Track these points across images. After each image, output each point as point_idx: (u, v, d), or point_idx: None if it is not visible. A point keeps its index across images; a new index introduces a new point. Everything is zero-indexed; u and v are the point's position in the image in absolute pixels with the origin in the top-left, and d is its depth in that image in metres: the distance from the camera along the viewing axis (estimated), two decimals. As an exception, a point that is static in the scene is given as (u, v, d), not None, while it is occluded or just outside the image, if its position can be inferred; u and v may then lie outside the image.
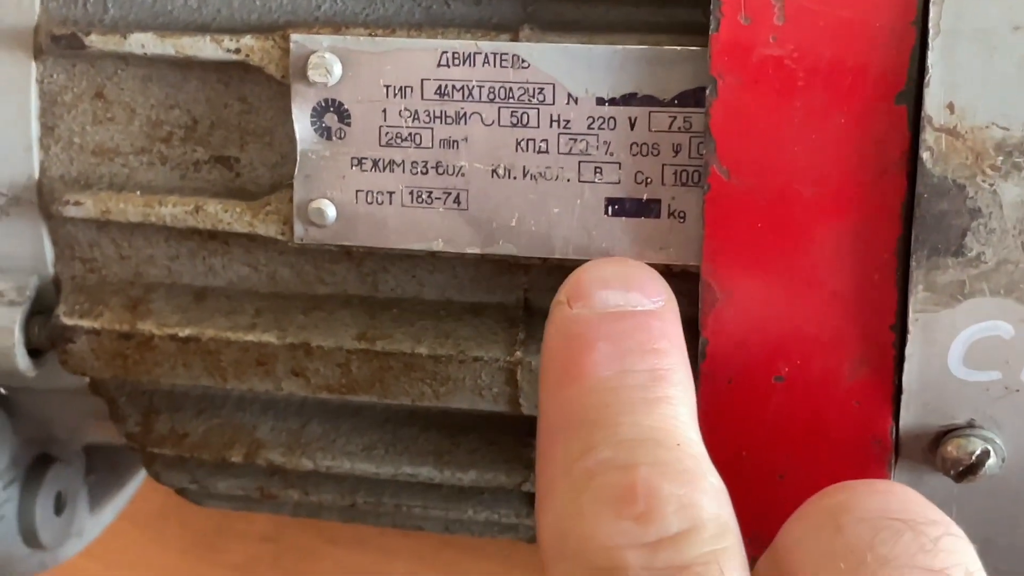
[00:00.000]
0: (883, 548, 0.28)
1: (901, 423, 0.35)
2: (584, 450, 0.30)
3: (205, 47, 0.37)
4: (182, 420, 0.42)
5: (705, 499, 0.29)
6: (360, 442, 0.42)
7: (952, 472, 0.34)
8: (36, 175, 0.40)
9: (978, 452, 0.34)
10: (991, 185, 0.32)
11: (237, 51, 0.37)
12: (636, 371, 0.31)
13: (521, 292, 0.38)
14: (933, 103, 0.32)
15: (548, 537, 0.30)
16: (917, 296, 0.33)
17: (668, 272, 0.36)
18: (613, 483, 0.29)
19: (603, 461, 0.29)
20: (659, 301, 0.33)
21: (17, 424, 0.47)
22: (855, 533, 0.29)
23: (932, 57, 0.32)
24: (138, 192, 0.39)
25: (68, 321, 0.40)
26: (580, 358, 0.32)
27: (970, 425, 0.35)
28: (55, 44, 0.38)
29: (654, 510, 0.28)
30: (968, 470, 0.34)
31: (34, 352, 0.41)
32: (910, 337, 0.34)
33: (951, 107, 0.32)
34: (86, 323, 0.40)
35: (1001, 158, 0.32)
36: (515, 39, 0.36)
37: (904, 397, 0.34)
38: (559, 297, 0.33)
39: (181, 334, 0.39)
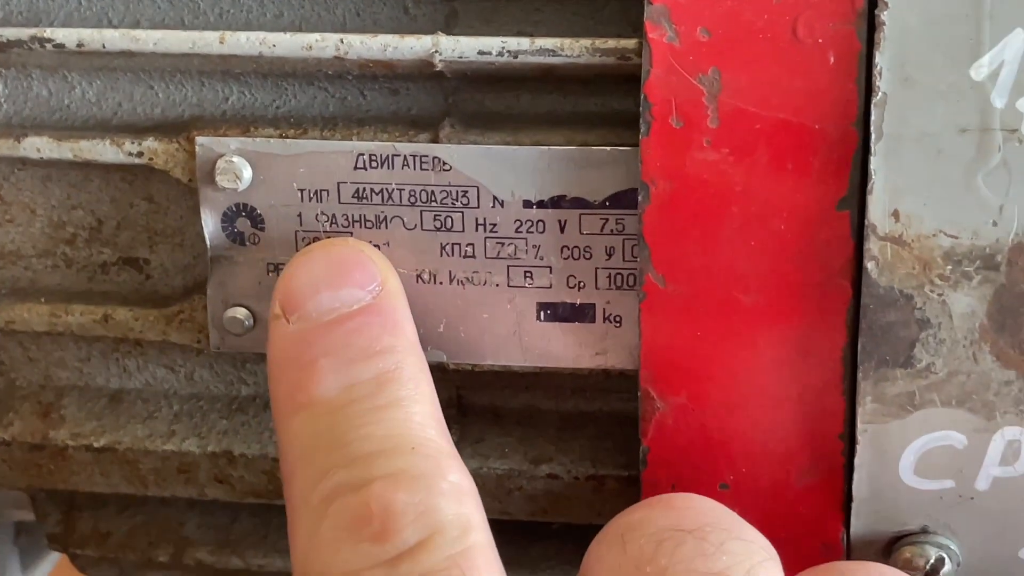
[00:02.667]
0: (663, 558, 0.28)
1: (852, 529, 0.34)
2: (319, 476, 0.29)
3: (105, 151, 0.35)
4: (105, 518, 0.41)
5: (443, 501, 0.28)
6: (292, 537, 0.40)
7: (907, 579, 0.33)
8: (-67, 280, 0.37)
9: (933, 560, 0.33)
10: (940, 295, 0.31)
11: (140, 155, 0.35)
12: (362, 381, 0.30)
13: (454, 389, 0.37)
14: (877, 210, 0.31)
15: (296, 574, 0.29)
16: (865, 407, 0.32)
17: (606, 375, 0.35)
18: (349, 506, 0.28)
19: (338, 485, 0.29)
20: (375, 287, 0.32)
21: (-65, 511, 0.45)
22: (638, 547, 0.28)
23: (875, 162, 0.30)
24: (43, 299, 0.37)
25: (-24, 432, 0.38)
26: (304, 383, 0.30)
27: (923, 531, 0.33)
28: (-57, 148, 0.36)
29: (390, 526, 0.28)
30: (925, 576, 0.33)
31: (-58, 459, 0.39)
32: (859, 447, 0.32)
33: (896, 215, 0.31)
34: (-5, 433, 0.38)
35: (950, 267, 0.31)
36: (435, 139, 0.34)
37: (854, 505, 0.33)
38: (274, 309, 0.32)
39: (96, 444, 0.37)
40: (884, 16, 0.30)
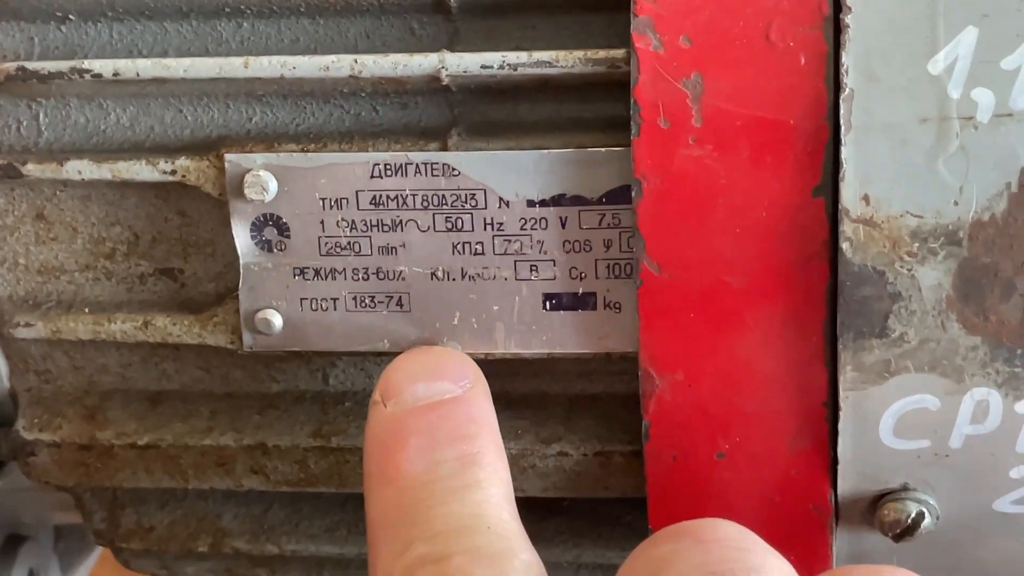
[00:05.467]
0: None
1: (839, 490, 0.37)
2: (403, 549, 0.31)
3: (141, 170, 0.38)
4: (147, 513, 0.44)
5: None
6: (322, 524, 0.43)
7: (890, 533, 0.36)
8: (-17, 296, 0.40)
9: (913, 515, 0.36)
10: (909, 270, 0.34)
11: (173, 172, 0.38)
12: (446, 460, 0.33)
13: (468, 379, 0.40)
14: (849, 195, 0.34)
15: None
16: (846, 376, 0.35)
17: (609, 359, 0.38)
18: None
19: (420, 557, 0.31)
20: (466, 384, 0.35)
21: (-17, 516, 0.48)
22: None
23: (845, 152, 0.33)
24: (87, 309, 0.40)
25: (28, 436, 0.41)
26: (394, 457, 0.34)
27: (904, 488, 0.36)
28: (-8, 174, 0.39)
29: None
30: (905, 531, 0.36)
31: (-4, 463, 0.42)
32: (842, 413, 0.35)
33: (866, 199, 0.34)
34: (46, 436, 0.41)
35: (917, 244, 0.34)
36: (444, 147, 0.37)
37: (840, 467, 0.36)
38: (375, 396, 0.35)
39: (140, 442, 0.40)
40: (848, 20, 0.33)
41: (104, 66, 0.37)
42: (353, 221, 0.37)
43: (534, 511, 0.41)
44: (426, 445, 0.33)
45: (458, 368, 0.36)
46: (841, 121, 0.33)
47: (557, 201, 0.36)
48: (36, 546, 0.52)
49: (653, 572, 0.30)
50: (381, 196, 0.37)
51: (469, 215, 0.37)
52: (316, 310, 0.38)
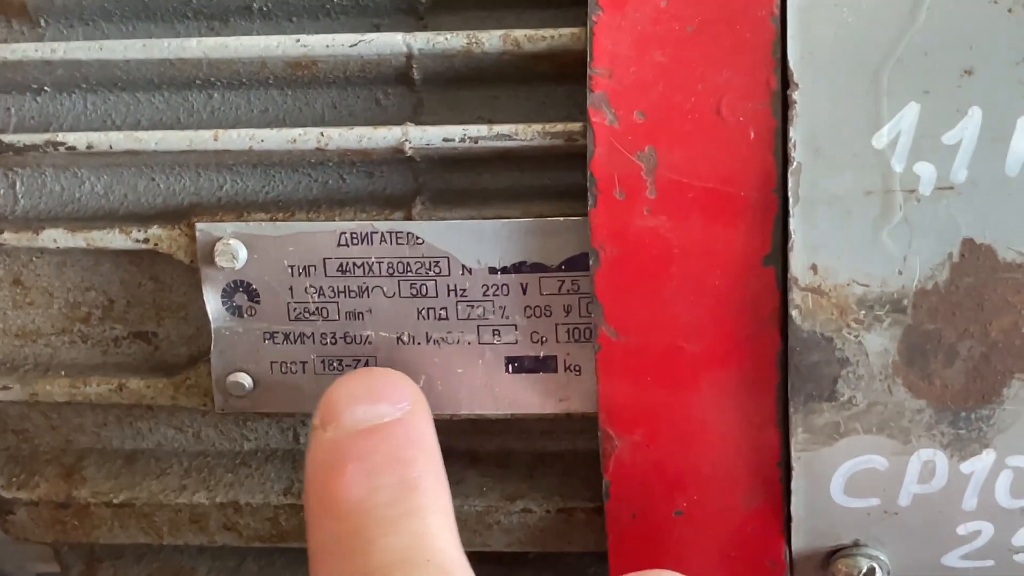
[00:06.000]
0: None
1: (793, 546, 0.38)
2: None
3: (115, 238, 0.39)
4: (124, 566, 0.45)
5: None
6: (295, 577, 0.44)
7: (843, 588, 0.37)
8: (-38, 360, 0.41)
9: (864, 570, 0.37)
10: (856, 336, 0.35)
11: (146, 240, 0.39)
12: (385, 486, 0.33)
13: (435, 437, 0.41)
14: (798, 265, 0.35)
15: None
16: (798, 437, 0.36)
17: (570, 418, 0.39)
18: None
19: None
20: (405, 406, 0.35)
21: (-37, 567, 0.49)
22: None
23: (794, 223, 0.35)
24: (63, 372, 0.41)
25: (6, 494, 0.42)
26: (332, 485, 0.34)
27: (856, 544, 0.38)
28: (-31, 242, 0.40)
29: None
30: (858, 585, 0.37)
31: (-25, 519, 0.43)
32: (794, 473, 0.37)
33: (814, 268, 0.35)
34: (24, 495, 0.42)
35: (863, 312, 0.35)
36: (409, 216, 0.38)
37: (794, 524, 0.37)
38: (315, 421, 0.35)
39: (115, 500, 0.41)
40: (795, 96, 0.34)
41: (78, 139, 0.38)
42: (321, 287, 0.38)
43: (502, 563, 0.42)
44: (364, 471, 0.33)
45: (397, 389, 0.36)
46: (789, 193, 0.35)
47: (518, 268, 0.37)
48: (16, 594, 0.53)
49: None
50: (348, 263, 0.38)
51: (433, 282, 0.38)
52: (286, 373, 0.39)
